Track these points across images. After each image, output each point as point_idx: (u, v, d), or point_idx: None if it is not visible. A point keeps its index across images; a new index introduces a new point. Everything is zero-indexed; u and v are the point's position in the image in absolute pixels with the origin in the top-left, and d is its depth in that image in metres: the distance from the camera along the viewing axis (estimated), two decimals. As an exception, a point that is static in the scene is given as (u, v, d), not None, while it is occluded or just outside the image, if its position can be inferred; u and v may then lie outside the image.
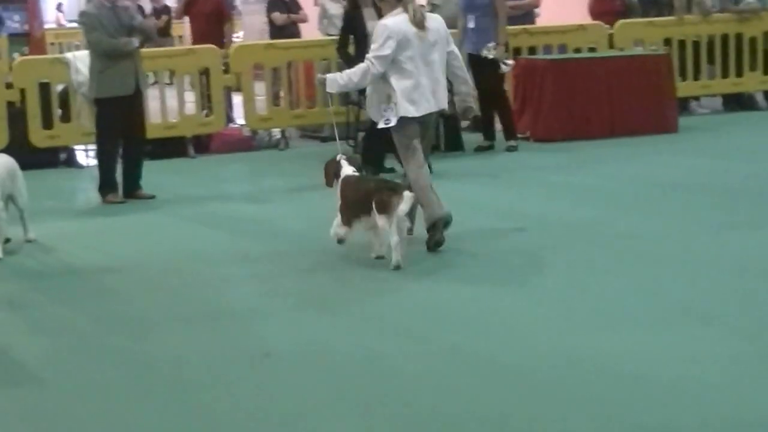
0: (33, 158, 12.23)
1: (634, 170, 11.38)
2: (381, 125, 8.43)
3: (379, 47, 8.21)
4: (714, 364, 5.59)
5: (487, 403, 5.21)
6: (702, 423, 4.86)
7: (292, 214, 10.06)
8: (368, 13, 11.26)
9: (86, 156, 14.01)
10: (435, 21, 8.44)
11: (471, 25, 12.97)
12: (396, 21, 8.26)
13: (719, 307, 6.56)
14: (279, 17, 15.98)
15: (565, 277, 7.43)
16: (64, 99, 13.34)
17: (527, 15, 15.28)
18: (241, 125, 14.77)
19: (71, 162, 13.78)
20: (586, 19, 16.19)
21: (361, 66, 8.34)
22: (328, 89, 8.52)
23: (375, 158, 11.24)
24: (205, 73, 14.13)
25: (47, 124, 13.32)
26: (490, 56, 12.76)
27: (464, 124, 13.75)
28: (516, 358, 5.82)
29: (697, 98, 16.11)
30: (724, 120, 15.18)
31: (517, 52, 14.60)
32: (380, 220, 7.69)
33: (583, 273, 7.50)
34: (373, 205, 7.69)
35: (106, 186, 10.88)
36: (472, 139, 13.50)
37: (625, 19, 15.67)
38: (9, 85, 13.20)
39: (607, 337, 6.09)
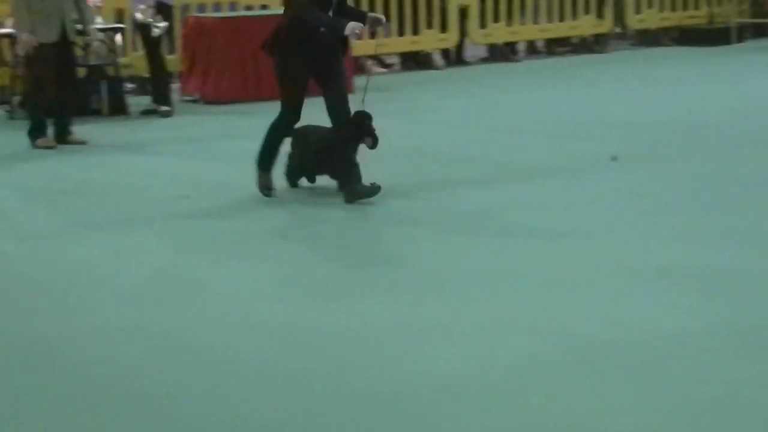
0: None
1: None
2: None
3: None
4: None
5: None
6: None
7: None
8: None
9: None
10: None
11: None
12: None
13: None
14: None
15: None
16: None
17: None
18: None
19: None
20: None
21: None
22: None
23: None
24: None
25: None
26: (138, 20, 11.98)
27: (128, 86, 12.93)
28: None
29: (374, 57, 15.71)
30: (402, 79, 14.85)
31: (185, 9, 13.86)
32: None
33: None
34: None
35: (36, 130, 10.71)
36: (137, 102, 12.62)
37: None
38: None
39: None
